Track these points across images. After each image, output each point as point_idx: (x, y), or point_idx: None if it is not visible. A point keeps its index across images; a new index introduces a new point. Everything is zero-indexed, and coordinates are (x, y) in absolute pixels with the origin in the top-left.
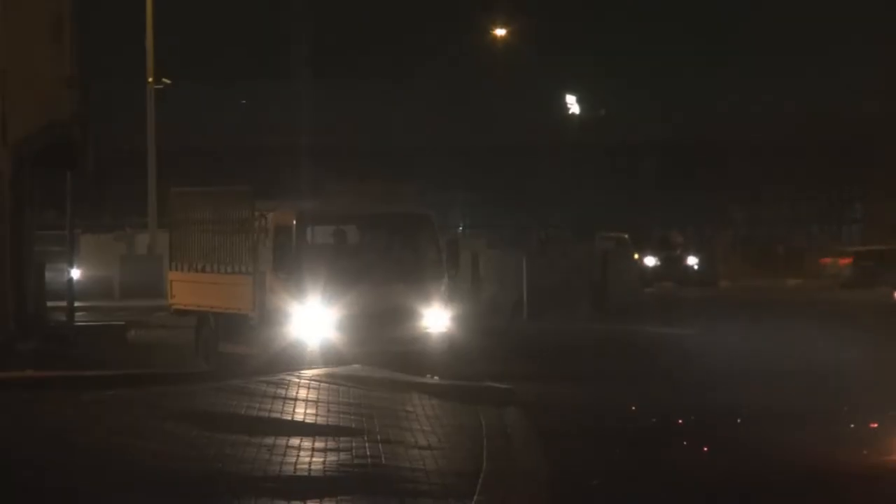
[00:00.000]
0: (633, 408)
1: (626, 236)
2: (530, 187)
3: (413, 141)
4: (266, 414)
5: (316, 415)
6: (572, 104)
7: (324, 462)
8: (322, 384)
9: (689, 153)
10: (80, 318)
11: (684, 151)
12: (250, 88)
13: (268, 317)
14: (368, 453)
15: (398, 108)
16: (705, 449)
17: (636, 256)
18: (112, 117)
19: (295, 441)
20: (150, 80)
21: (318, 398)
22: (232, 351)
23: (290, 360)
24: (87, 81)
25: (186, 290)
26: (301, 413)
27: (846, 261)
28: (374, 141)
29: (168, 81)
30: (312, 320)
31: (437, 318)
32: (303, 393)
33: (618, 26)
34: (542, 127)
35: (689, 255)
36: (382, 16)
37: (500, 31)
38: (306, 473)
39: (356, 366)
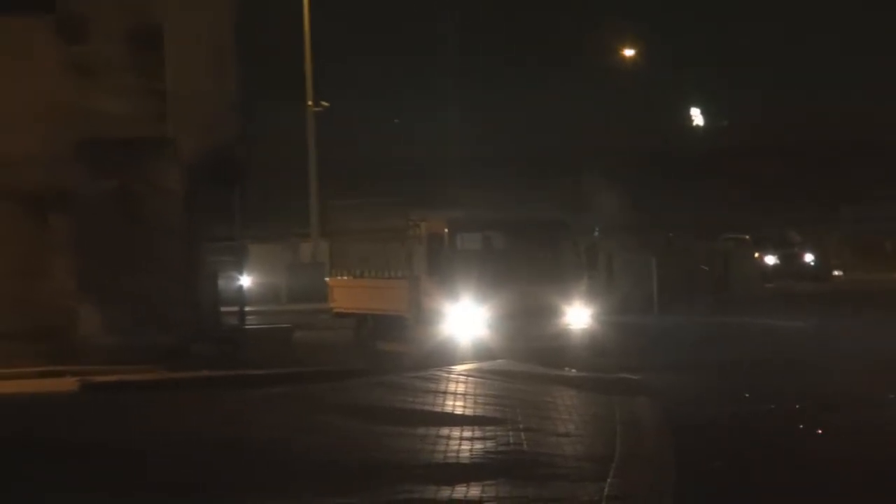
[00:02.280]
0: (754, 394)
1: (747, 237)
2: (658, 191)
3: (549, 141)
4: (419, 406)
5: (464, 406)
6: (696, 116)
7: (471, 450)
8: (470, 378)
9: (804, 155)
10: (250, 322)
11: (800, 154)
12: (400, 104)
13: (422, 317)
14: (511, 441)
15: (534, 114)
16: (821, 433)
17: (756, 255)
18: (276, 135)
19: (445, 431)
20: (310, 103)
21: (466, 391)
22: (388, 349)
23: (441, 357)
24: (250, 103)
25: (346, 294)
26: (451, 405)
27: None
28: (515, 146)
29: (326, 104)
30: (463, 319)
31: (576, 316)
32: (452, 387)
33: (736, 35)
34: (668, 135)
35: (805, 252)
36: (513, 31)
37: (629, 52)
38: (455, 460)
39: (502, 360)
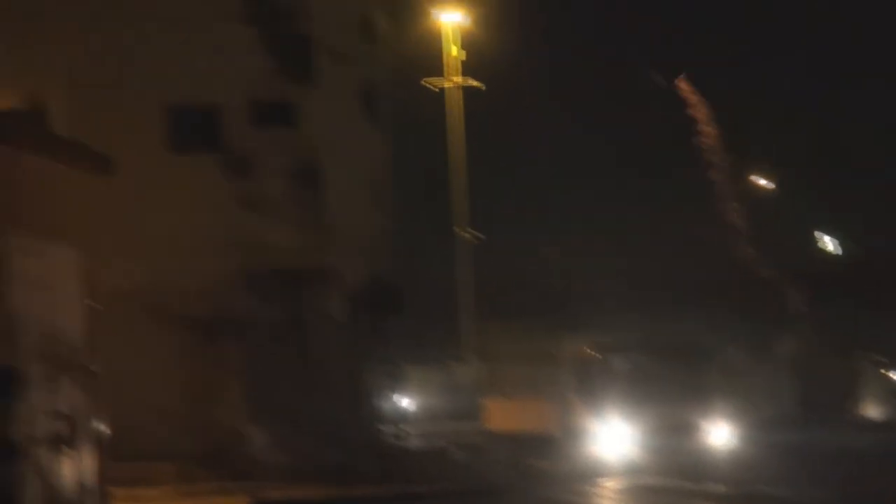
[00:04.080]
0: None
1: (882, 358)
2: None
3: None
4: None
5: None
6: (825, 240)
7: None
8: (619, 493)
9: None
10: (410, 440)
11: None
12: (555, 234)
13: (571, 434)
14: None
15: (674, 242)
16: None
17: (890, 374)
18: (432, 263)
19: None
20: (463, 231)
21: None
22: (541, 465)
23: (591, 473)
24: (408, 233)
25: (500, 413)
26: None
27: None
28: (661, 272)
29: (479, 234)
30: (611, 437)
31: (719, 433)
32: (600, 502)
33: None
34: (803, 257)
35: None
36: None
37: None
38: None
39: (649, 476)
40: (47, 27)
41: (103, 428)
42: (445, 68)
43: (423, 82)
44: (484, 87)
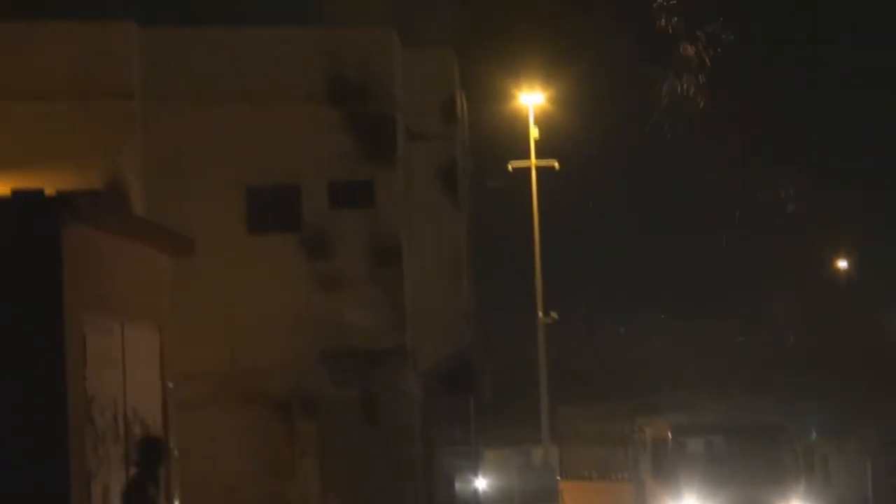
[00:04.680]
0: None
1: None
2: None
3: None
4: None
5: None
6: None
7: None
8: None
9: None
10: None
11: None
12: (627, 315)
13: None
14: None
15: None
16: None
17: None
18: (508, 343)
19: None
20: (541, 314)
21: None
22: None
23: None
24: (484, 313)
25: (576, 495)
26: None
27: None
28: (731, 356)
29: (555, 316)
30: None
31: None
32: None
33: None
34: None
35: None
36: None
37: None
38: None
39: None
40: (131, 107)
41: (177, 502)
42: (531, 149)
43: (508, 166)
44: (558, 166)
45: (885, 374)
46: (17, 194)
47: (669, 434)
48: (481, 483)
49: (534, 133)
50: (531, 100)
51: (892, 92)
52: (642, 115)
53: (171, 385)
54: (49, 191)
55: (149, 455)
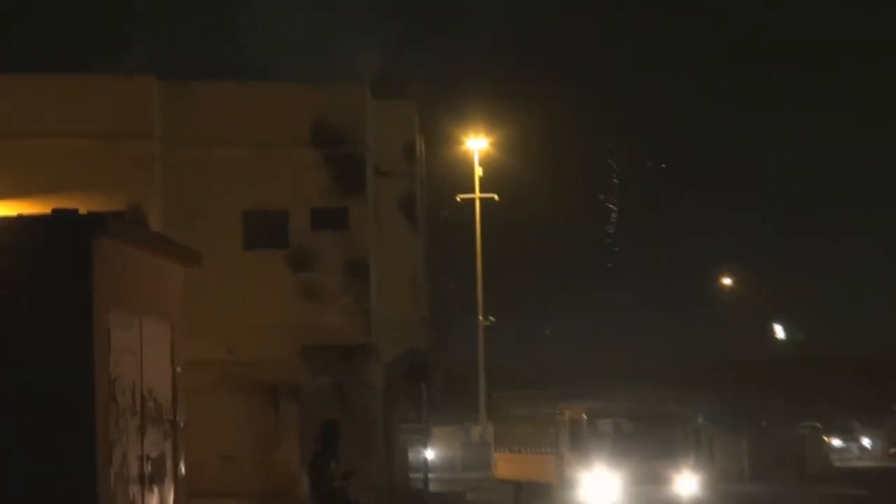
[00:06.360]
0: None
1: (819, 425)
2: (753, 392)
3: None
4: None
5: None
6: (779, 331)
7: None
8: None
9: (873, 366)
10: (433, 485)
11: (870, 365)
12: (554, 320)
13: (565, 483)
14: None
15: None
16: None
17: (826, 439)
18: (456, 342)
19: None
20: (481, 318)
21: None
22: None
23: None
24: (436, 317)
25: (507, 465)
26: None
27: None
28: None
29: (493, 319)
30: (598, 485)
31: (686, 484)
32: None
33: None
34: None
35: (863, 437)
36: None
37: (727, 281)
38: None
39: None
40: (151, 147)
41: (182, 470)
42: (475, 184)
43: (457, 198)
44: (497, 199)
45: (764, 376)
46: (56, 213)
47: (584, 416)
48: (430, 454)
49: (478, 171)
50: (477, 144)
51: None
52: (568, 159)
53: (179, 370)
54: (82, 211)
55: (328, 434)
